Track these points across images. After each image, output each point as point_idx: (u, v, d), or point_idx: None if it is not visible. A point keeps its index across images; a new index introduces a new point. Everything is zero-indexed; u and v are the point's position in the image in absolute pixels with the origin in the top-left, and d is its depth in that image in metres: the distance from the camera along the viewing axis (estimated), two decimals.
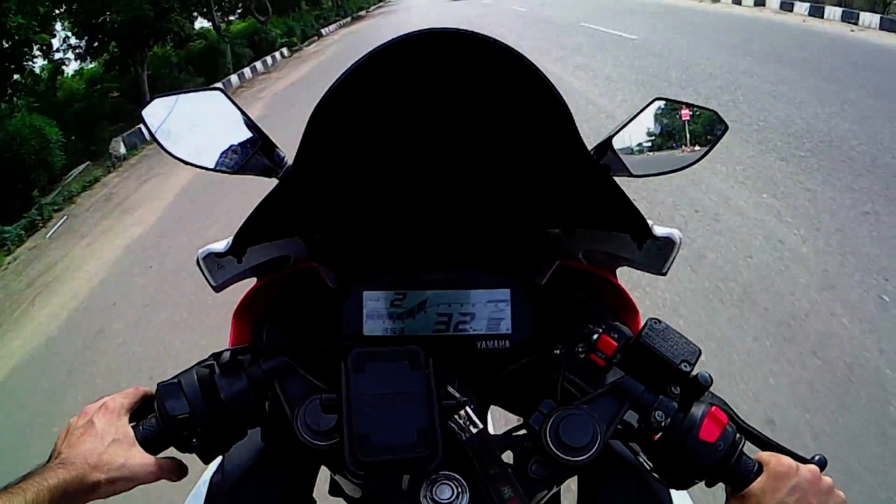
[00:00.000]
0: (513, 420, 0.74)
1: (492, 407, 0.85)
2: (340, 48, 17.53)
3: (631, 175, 0.73)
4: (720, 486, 0.68)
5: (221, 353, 0.66)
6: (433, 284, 0.75)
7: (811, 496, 0.62)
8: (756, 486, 0.64)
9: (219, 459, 0.72)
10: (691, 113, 0.75)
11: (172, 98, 0.74)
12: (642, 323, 0.68)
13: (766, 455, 0.66)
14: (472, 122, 0.60)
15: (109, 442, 0.60)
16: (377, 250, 0.79)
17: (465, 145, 0.63)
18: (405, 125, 0.61)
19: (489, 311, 0.75)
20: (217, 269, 0.70)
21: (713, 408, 0.66)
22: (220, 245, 0.68)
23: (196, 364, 0.66)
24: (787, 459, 0.65)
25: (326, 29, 24.27)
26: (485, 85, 0.56)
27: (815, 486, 0.63)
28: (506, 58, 0.54)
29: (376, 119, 0.59)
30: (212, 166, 0.73)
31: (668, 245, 0.70)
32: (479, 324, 0.75)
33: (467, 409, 0.63)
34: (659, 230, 0.69)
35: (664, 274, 0.73)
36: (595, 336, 0.69)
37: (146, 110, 0.74)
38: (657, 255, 0.71)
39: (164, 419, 0.62)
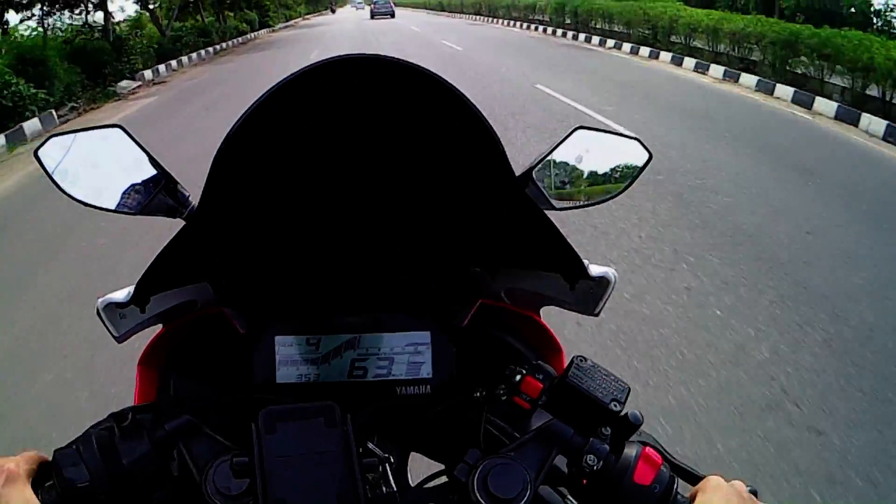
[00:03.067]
0: (434, 466, 0.71)
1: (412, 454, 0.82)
2: None
3: (553, 208, 0.70)
4: None
5: (121, 412, 0.61)
6: (351, 328, 0.72)
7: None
8: None
9: None
10: (613, 142, 0.73)
11: (70, 136, 0.70)
12: (567, 362, 0.66)
13: (698, 487, 0.64)
14: (393, 155, 0.57)
15: None
16: (290, 293, 0.75)
17: (386, 180, 0.60)
18: (320, 160, 0.57)
19: (409, 354, 0.72)
20: (119, 319, 0.66)
21: (646, 448, 0.64)
22: (121, 294, 0.64)
23: (94, 426, 0.62)
24: (717, 479, 0.63)
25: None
26: (407, 114, 0.53)
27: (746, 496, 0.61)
28: (430, 85, 0.51)
29: (289, 154, 0.56)
30: (113, 207, 0.69)
31: (601, 285, 0.68)
32: (398, 368, 0.72)
33: (387, 467, 0.59)
34: (594, 269, 0.67)
35: (596, 315, 0.70)
36: (518, 377, 0.66)
37: (42, 150, 0.69)
38: (589, 294, 0.69)
39: (65, 489, 0.58)
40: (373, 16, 34.06)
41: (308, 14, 45.22)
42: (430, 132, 0.55)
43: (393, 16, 34.32)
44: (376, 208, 0.64)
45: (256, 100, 0.51)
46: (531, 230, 0.63)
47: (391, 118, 0.54)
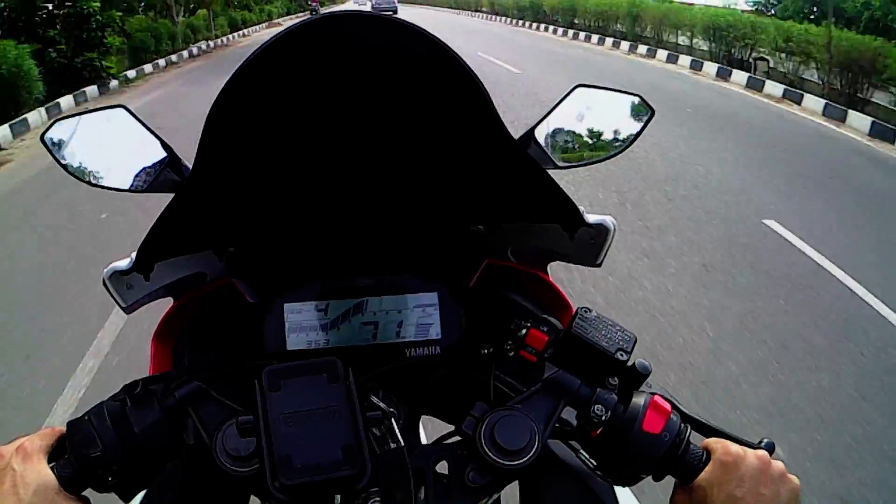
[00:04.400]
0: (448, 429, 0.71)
1: (425, 417, 0.83)
2: None
3: (556, 167, 0.71)
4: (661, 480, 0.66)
5: (133, 383, 0.62)
6: (359, 292, 0.73)
7: (762, 485, 0.59)
8: (704, 477, 0.61)
9: (141, 496, 0.68)
10: (615, 99, 0.73)
11: (75, 119, 0.71)
12: None
13: (712, 442, 0.64)
14: (388, 114, 0.57)
15: (33, 489, 0.57)
16: (296, 260, 0.76)
17: (383, 140, 0.60)
18: (315, 119, 0.57)
19: (417, 316, 0.73)
20: (126, 288, 0.66)
21: (655, 396, 0.64)
22: (125, 262, 0.64)
23: (108, 398, 0.62)
24: (735, 446, 0.62)
25: None
26: (400, 72, 0.53)
27: (766, 473, 0.60)
28: (422, 43, 0.50)
29: (283, 115, 0.56)
30: (120, 187, 0.71)
31: (600, 233, 0.68)
32: (407, 330, 0.73)
33: (392, 421, 0.60)
34: (591, 217, 0.67)
35: (598, 265, 0.70)
36: (523, 331, 0.66)
37: (48, 134, 0.70)
38: (590, 245, 0.69)
39: (78, 459, 0.59)
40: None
41: (283, 16, 29.44)
42: (422, 91, 0.55)
43: (395, 12, 33.37)
44: (375, 169, 0.64)
45: (247, 58, 0.50)
46: (529, 186, 0.63)
47: (384, 76, 0.54)
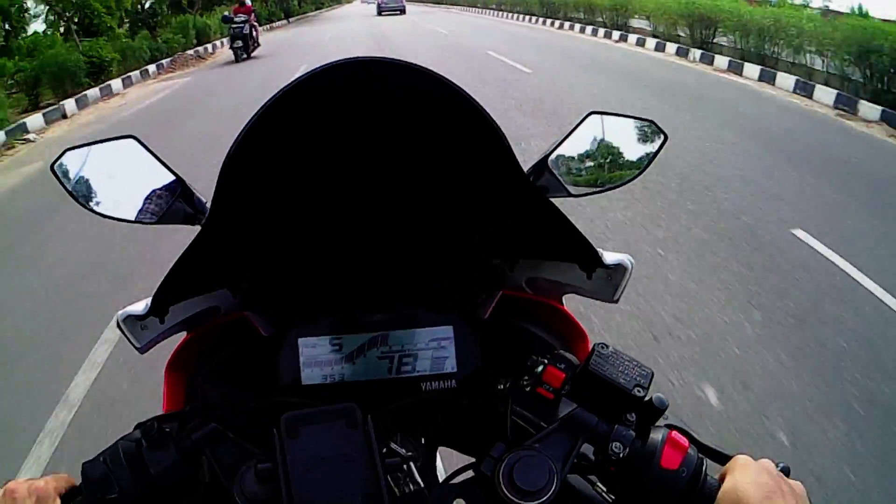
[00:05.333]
0: (464, 459, 0.71)
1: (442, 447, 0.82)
2: None
3: (570, 195, 0.70)
4: None
5: (147, 423, 0.62)
6: (373, 326, 0.72)
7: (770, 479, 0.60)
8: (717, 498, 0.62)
9: None
10: (628, 125, 0.72)
11: (84, 150, 0.70)
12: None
13: (726, 467, 0.64)
14: (403, 154, 0.58)
15: None
16: (312, 294, 0.75)
17: (398, 178, 0.61)
18: (331, 161, 0.58)
19: (432, 350, 0.73)
20: (140, 330, 0.66)
21: (672, 432, 0.64)
22: (140, 307, 0.64)
23: (121, 438, 0.62)
24: (745, 458, 0.63)
25: None
26: (415, 114, 0.54)
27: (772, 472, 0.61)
28: (435, 86, 0.51)
29: (300, 155, 0.56)
30: (132, 217, 0.70)
31: (618, 272, 0.68)
32: (422, 364, 0.73)
33: (411, 465, 0.60)
34: (609, 257, 0.67)
35: (615, 301, 0.70)
36: (540, 368, 0.66)
37: (57, 164, 0.70)
38: (607, 281, 0.69)
39: (94, 501, 0.59)
40: (380, 12, 29.25)
41: (220, 39, 17.36)
42: (434, 129, 0.56)
43: (403, 11, 29.27)
44: (390, 206, 0.64)
45: (263, 105, 0.51)
46: (544, 222, 0.63)
47: (396, 117, 0.55)
